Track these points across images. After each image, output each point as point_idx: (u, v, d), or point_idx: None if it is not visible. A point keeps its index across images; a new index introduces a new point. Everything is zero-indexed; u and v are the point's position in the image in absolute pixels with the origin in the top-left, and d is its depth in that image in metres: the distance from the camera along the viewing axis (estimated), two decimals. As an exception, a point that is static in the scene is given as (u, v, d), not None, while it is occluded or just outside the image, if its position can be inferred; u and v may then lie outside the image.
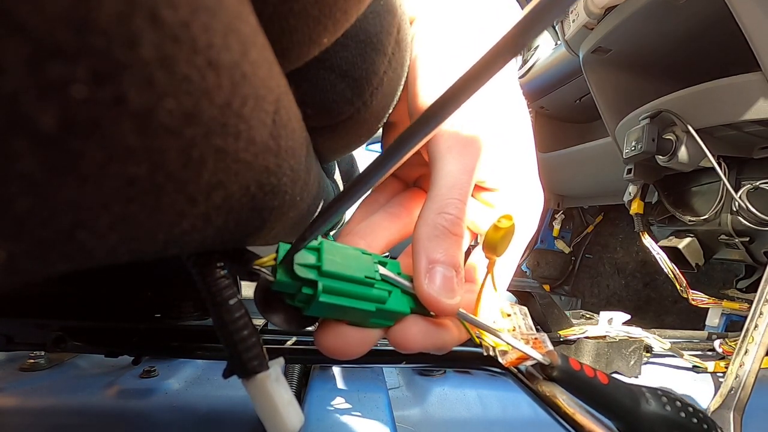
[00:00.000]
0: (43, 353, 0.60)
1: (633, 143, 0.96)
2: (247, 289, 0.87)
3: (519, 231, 0.24)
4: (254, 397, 0.18)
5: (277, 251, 0.18)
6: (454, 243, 0.20)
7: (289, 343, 0.51)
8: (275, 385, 0.18)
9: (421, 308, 0.20)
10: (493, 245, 0.19)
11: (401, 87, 0.25)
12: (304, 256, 0.18)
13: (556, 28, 1.27)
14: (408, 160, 0.27)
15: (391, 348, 0.56)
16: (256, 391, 0.17)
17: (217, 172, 0.11)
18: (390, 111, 0.26)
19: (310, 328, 0.20)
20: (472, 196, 0.26)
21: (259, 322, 0.57)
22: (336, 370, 0.57)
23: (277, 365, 0.18)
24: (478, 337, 0.22)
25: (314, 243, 0.18)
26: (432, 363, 0.53)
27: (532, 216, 0.25)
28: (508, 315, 0.23)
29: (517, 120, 0.25)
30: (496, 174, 0.24)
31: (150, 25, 0.07)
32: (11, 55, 0.06)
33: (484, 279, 0.21)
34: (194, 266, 0.17)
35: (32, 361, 0.60)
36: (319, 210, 0.29)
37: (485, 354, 0.22)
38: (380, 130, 0.30)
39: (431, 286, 0.19)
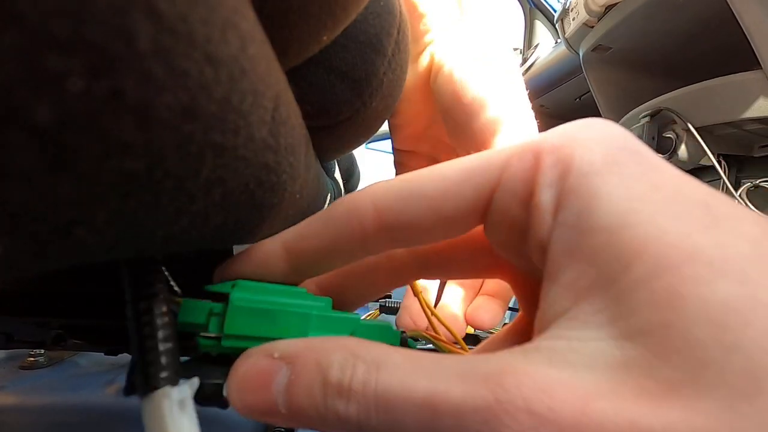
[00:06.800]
0: (42, 351, 0.60)
1: (633, 142, 0.96)
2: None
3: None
4: (146, 421, 0.12)
5: None
6: None
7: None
8: (174, 409, 0.12)
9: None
10: None
11: (401, 88, 0.24)
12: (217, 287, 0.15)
13: (557, 26, 1.26)
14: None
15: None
16: (149, 412, 0.12)
17: (215, 169, 0.11)
18: (390, 112, 0.25)
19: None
20: None
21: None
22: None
23: (187, 386, 0.13)
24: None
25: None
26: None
27: None
28: None
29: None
30: None
31: (147, 18, 0.07)
32: (5, 46, 0.06)
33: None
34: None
35: (32, 359, 0.60)
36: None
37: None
38: (386, 130, 0.29)
39: None
